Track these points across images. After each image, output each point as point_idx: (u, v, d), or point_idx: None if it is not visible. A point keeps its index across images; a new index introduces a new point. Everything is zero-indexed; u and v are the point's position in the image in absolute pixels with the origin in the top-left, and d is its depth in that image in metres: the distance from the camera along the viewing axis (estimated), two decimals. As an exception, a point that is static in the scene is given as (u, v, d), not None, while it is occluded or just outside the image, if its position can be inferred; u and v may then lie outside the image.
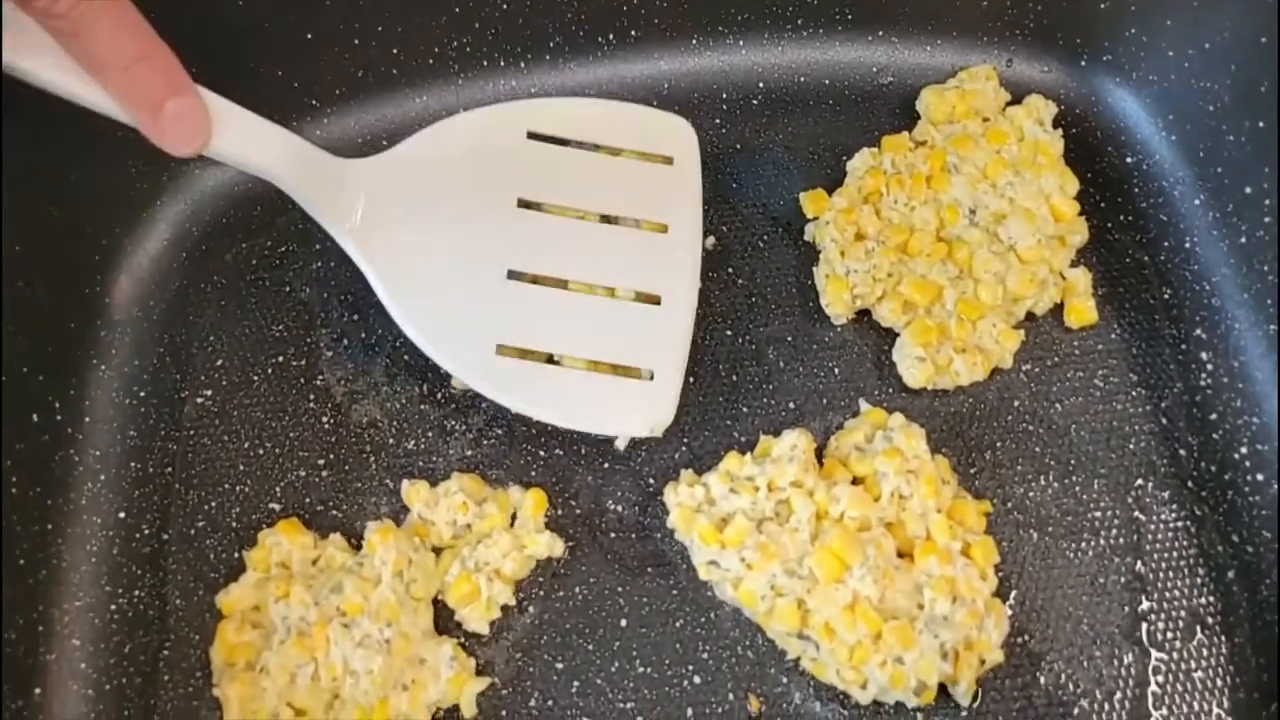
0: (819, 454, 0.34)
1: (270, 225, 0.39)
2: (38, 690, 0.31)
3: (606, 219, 0.35)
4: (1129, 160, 0.39)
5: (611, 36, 0.41)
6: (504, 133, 0.35)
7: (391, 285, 0.33)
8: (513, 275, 0.34)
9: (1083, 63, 0.40)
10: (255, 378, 0.36)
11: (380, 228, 0.33)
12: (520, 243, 0.34)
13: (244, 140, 0.30)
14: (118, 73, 0.27)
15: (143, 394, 0.36)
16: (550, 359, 0.34)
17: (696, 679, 0.32)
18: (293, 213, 0.38)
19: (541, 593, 0.33)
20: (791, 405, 0.36)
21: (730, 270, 0.38)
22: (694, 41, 0.41)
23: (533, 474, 0.35)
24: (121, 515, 0.34)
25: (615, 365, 0.34)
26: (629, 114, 0.36)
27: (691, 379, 0.36)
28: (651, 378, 0.34)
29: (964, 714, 0.31)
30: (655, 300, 0.35)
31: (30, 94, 0.27)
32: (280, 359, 0.37)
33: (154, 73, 0.27)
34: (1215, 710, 0.32)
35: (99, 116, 0.28)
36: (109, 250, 0.37)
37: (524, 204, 0.35)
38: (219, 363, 0.37)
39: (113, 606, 0.33)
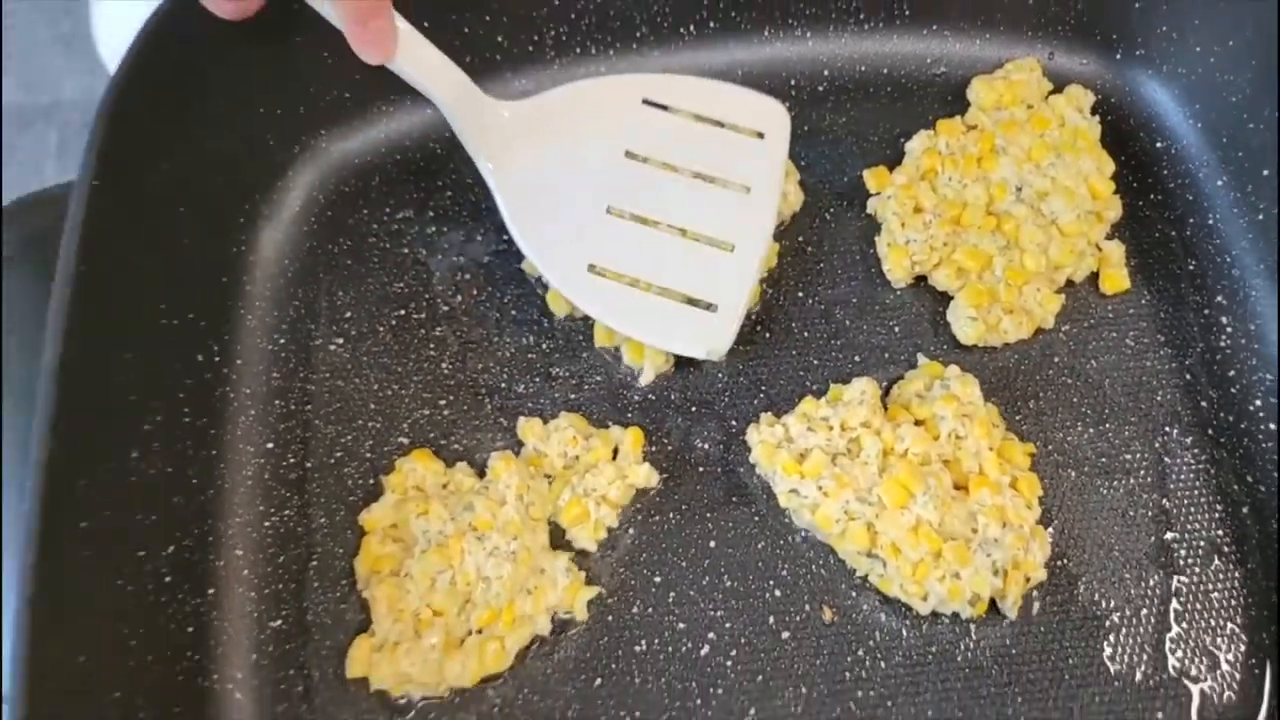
0: (883, 401, 0.39)
1: (388, 195, 0.43)
2: (211, 591, 0.36)
3: (699, 176, 0.40)
4: (1159, 145, 0.43)
5: (692, 28, 0.45)
6: (624, 96, 0.40)
7: (512, 206, 0.39)
8: (611, 211, 0.39)
9: (1118, 56, 0.44)
10: (380, 328, 0.41)
11: (511, 158, 0.39)
12: (622, 185, 0.39)
13: (420, 64, 0.37)
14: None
15: (282, 341, 0.41)
16: (634, 284, 0.39)
17: (777, 592, 0.37)
18: (407, 184, 0.44)
19: (640, 517, 0.38)
20: (857, 359, 0.40)
21: (801, 239, 0.43)
22: (765, 33, 0.45)
23: (629, 415, 0.40)
24: (269, 445, 0.39)
25: (686, 297, 0.39)
26: (733, 93, 0.41)
27: (768, 334, 0.41)
28: (715, 311, 0.39)
29: (1010, 625, 0.36)
30: (729, 248, 0.39)
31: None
32: (402, 312, 0.41)
33: (354, 5, 0.35)
34: (1229, 626, 0.36)
35: (245, 99, 0.34)
36: (251, 214, 0.41)
37: (630, 155, 0.40)
38: (347, 315, 0.41)
39: (266, 524, 0.38)
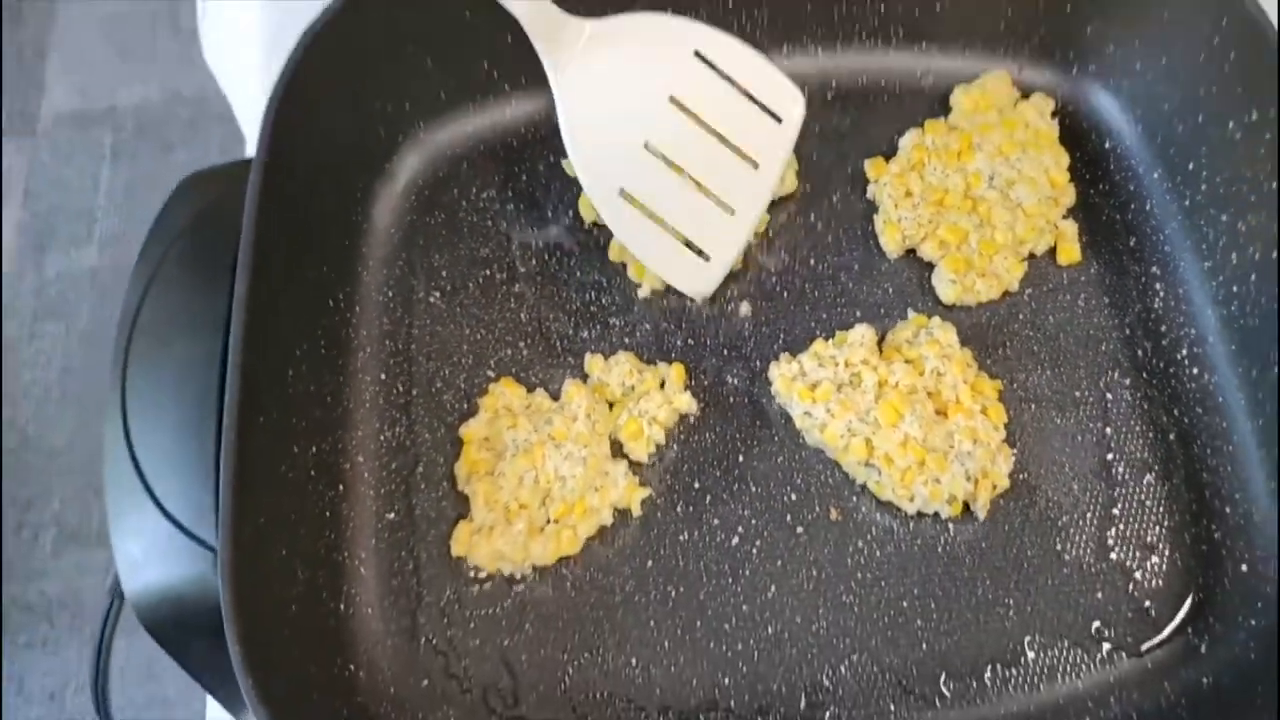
0: (879, 345, 0.48)
1: (475, 177, 0.52)
2: (340, 486, 0.45)
3: (722, 140, 0.46)
4: (1107, 144, 0.52)
5: (724, 45, 0.54)
6: (681, 41, 0.45)
7: (569, 116, 0.45)
8: (648, 146, 0.46)
9: (1074, 71, 0.53)
10: (470, 285, 0.50)
11: (575, 72, 0.45)
12: (661, 126, 0.46)
13: None
14: None
15: (391, 294, 0.50)
16: (650, 216, 0.46)
17: (793, 496, 0.46)
18: (491, 170, 0.53)
19: (683, 436, 0.47)
20: (858, 313, 0.49)
21: (812, 217, 0.52)
22: (784, 49, 0.54)
23: (673, 355, 0.48)
24: (382, 376, 0.48)
25: (687, 240, 0.47)
26: (768, 72, 0.46)
27: (785, 293, 0.50)
28: (707, 260, 0.47)
29: (981, 524, 0.45)
30: (731, 211, 0.47)
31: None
32: (487, 273, 0.50)
33: None
34: (1159, 529, 0.45)
35: (364, 97, 0.44)
36: (367, 190, 0.51)
37: (674, 100, 0.46)
38: (443, 274, 0.50)
39: (381, 437, 0.47)
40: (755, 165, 0.47)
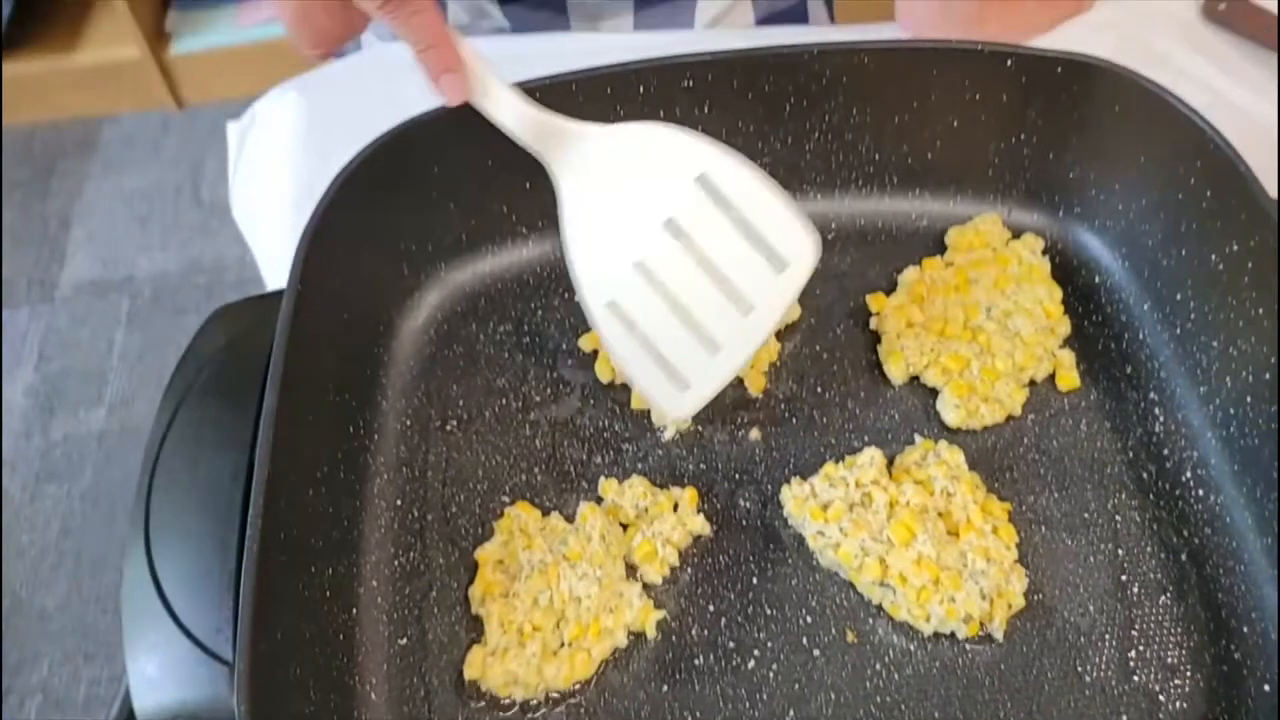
0: (889, 468, 0.49)
1: (492, 313, 0.55)
2: (354, 610, 0.45)
3: (716, 276, 0.44)
4: (1097, 279, 0.55)
5: (729, 191, 0.58)
6: (688, 160, 0.44)
7: (569, 224, 0.46)
8: (639, 267, 0.45)
9: (1060, 214, 0.56)
10: (486, 413, 0.52)
11: (576, 180, 0.45)
12: (653, 250, 0.44)
13: (492, 103, 0.45)
14: (419, 52, 0.45)
15: (409, 422, 0.51)
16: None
17: (808, 619, 0.46)
18: (507, 306, 0.55)
19: (696, 559, 0.47)
20: (866, 438, 0.50)
21: (818, 348, 0.53)
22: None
23: (685, 479, 0.49)
24: (398, 501, 0.49)
25: (668, 365, 0.46)
26: (780, 210, 0.44)
27: (794, 420, 0.51)
28: (687, 390, 0.46)
29: (999, 645, 0.45)
30: (716, 348, 0.46)
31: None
32: (504, 401, 0.52)
33: (437, 57, 0.44)
34: (1176, 649, 0.44)
35: (387, 238, 0.47)
36: (389, 325, 0.53)
37: (670, 224, 0.45)
38: (460, 403, 0.52)
39: (395, 561, 0.47)
40: (750, 308, 0.45)
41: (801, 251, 0.44)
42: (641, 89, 0.52)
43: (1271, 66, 0.67)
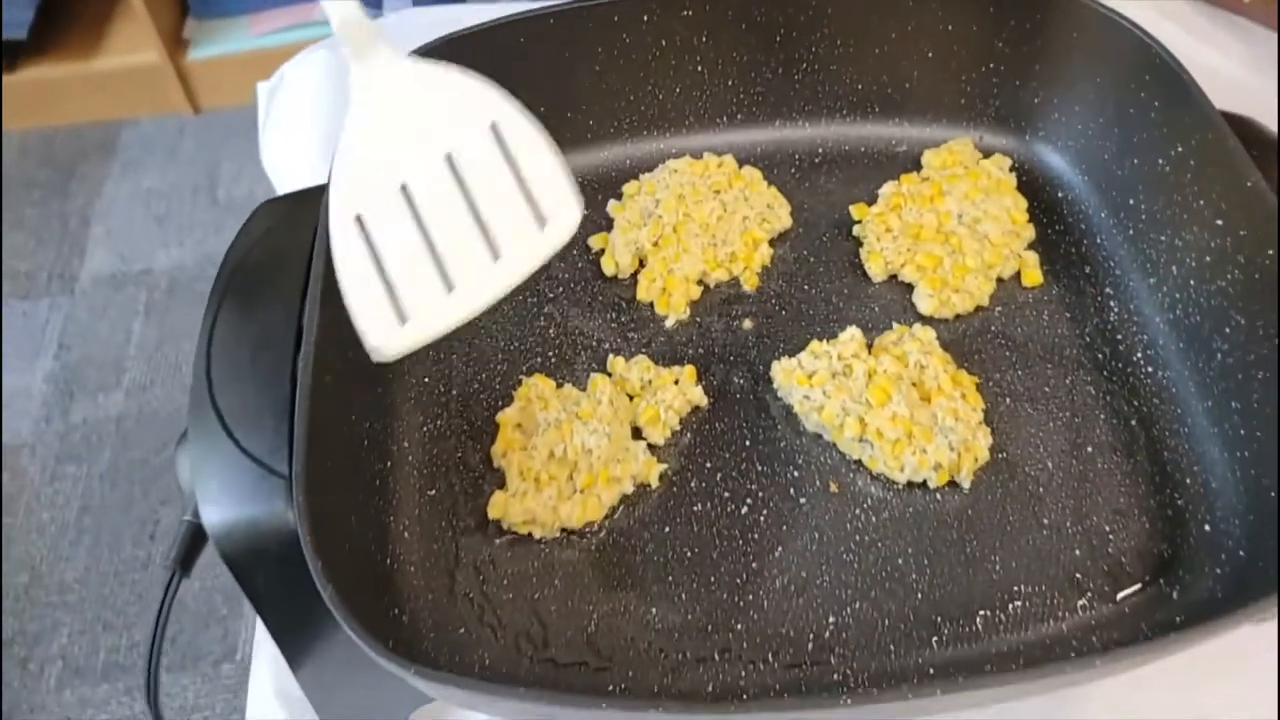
0: (868, 348, 0.54)
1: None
2: (389, 462, 0.50)
3: (478, 218, 0.42)
4: (1059, 193, 0.60)
5: (724, 119, 0.63)
6: (482, 111, 0.42)
7: (349, 132, 0.43)
8: (404, 190, 0.42)
9: (1026, 136, 0.62)
10: (504, 306, 0.56)
11: (371, 95, 0.42)
12: (423, 179, 0.42)
13: None
14: None
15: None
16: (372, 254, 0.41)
17: (795, 473, 0.51)
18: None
19: (695, 424, 0.52)
20: (851, 326, 0.56)
21: (805, 252, 0.59)
22: (776, 123, 0.63)
23: (685, 360, 0.55)
24: (425, 379, 0.54)
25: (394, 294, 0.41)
26: (553, 170, 0.42)
27: (784, 312, 0.56)
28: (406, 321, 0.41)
29: (965, 493, 0.50)
30: (450, 288, 0.41)
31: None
32: (520, 296, 0.57)
33: None
34: (1126, 497, 0.49)
35: None
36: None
37: (449, 159, 0.42)
38: (481, 298, 0.57)
39: (424, 428, 0.52)
40: (496, 256, 0.42)
41: (566, 215, 0.42)
42: (646, 17, 0.58)
43: (1236, 29, 0.74)
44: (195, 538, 0.46)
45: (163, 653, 0.47)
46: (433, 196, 0.42)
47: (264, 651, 0.53)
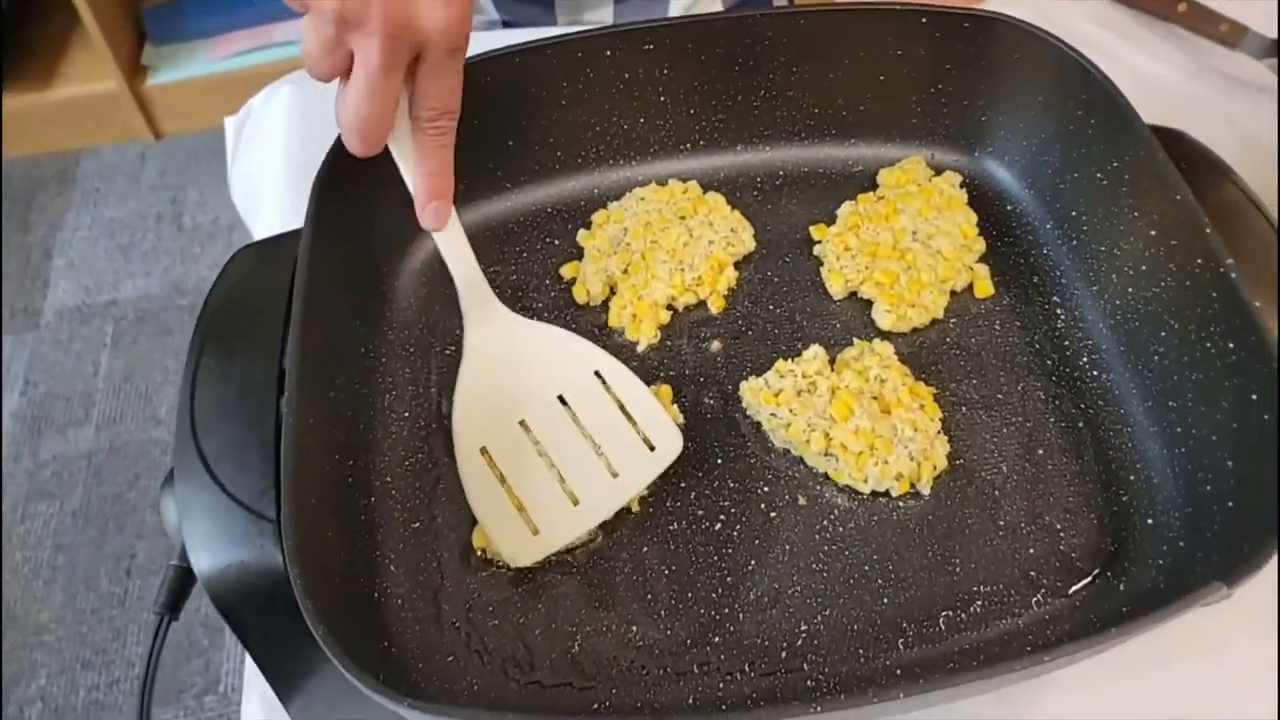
0: (830, 364, 0.56)
1: (481, 257, 0.62)
2: (371, 497, 0.52)
3: (594, 444, 0.51)
4: (1008, 207, 0.63)
5: (688, 145, 0.65)
6: (584, 360, 0.53)
7: (465, 371, 0.53)
8: (522, 424, 0.51)
9: (975, 153, 0.64)
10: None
11: (484, 340, 0.53)
12: (540, 414, 0.51)
13: (451, 243, 0.51)
14: (427, 174, 0.49)
15: (412, 349, 0.58)
16: (501, 481, 0.51)
17: (765, 489, 0.53)
18: (494, 252, 0.62)
19: (668, 445, 0.55)
20: (814, 343, 0.58)
21: (769, 272, 0.61)
22: (738, 147, 0.65)
23: (657, 382, 0.57)
24: (406, 413, 0.55)
25: (523, 509, 0.50)
26: (654, 407, 0.52)
27: (750, 331, 0.59)
28: (535, 533, 0.50)
29: (926, 500, 0.52)
30: (575, 503, 0.50)
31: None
32: (494, 326, 0.59)
33: (440, 184, 0.49)
34: (1075, 496, 0.52)
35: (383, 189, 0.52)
36: (390, 264, 0.60)
37: (561, 399, 0.52)
38: (456, 332, 0.58)
39: (405, 462, 0.54)
40: (614, 476, 0.50)
41: (670, 441, 0.51)
42: (609, 52, 0.60)
43: (1175, 39, 0.77)
44: (183, 581, 0.48)
45: (146, 689, 0.48)
46: (551, 427, 0.51)
47: (254, 687, 0.54)
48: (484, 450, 0.51)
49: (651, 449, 0.51)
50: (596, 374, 0.52)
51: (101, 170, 1.95)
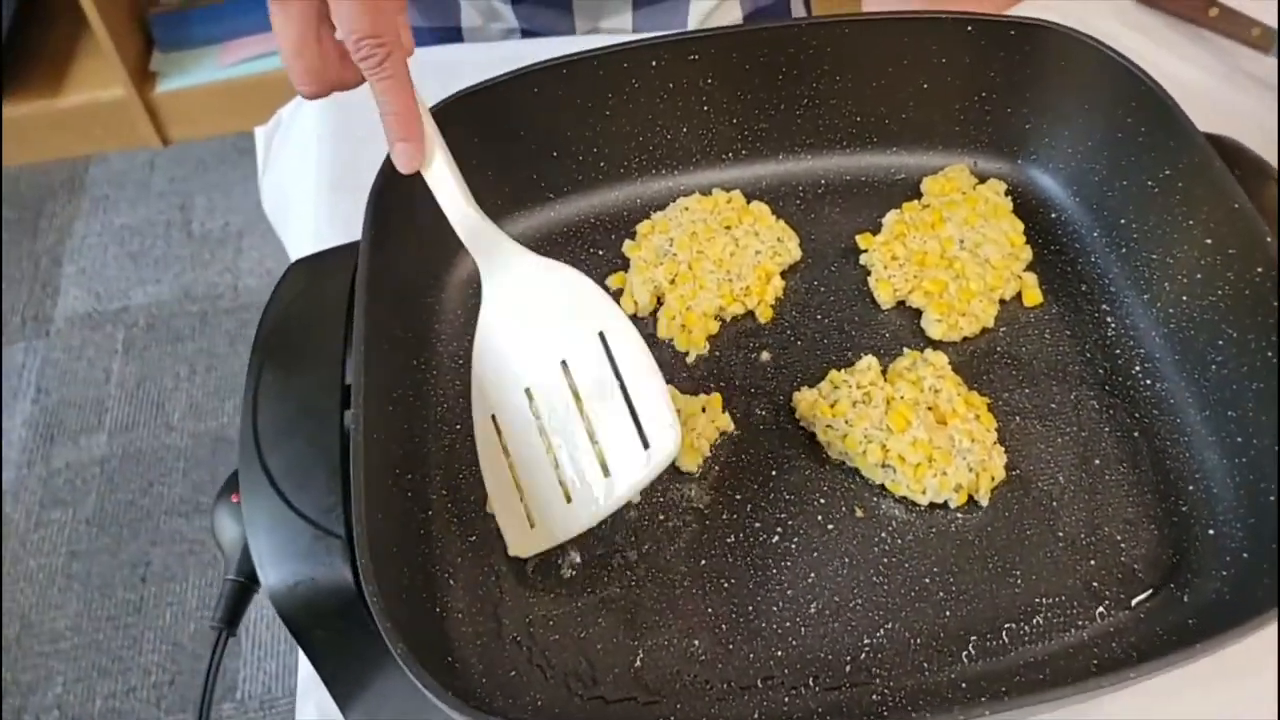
0: (883, 374, 0.56)
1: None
2: (429, 511, 0.52)
3: (590, 433, 0.48)
4: (1053, 215, 0.63)
5: (729, 154, 0.65)
6: (594, 314, 0.48)
7: (483, 326, 0.51)
8: (528, 392, 0.49)
9: (1019, 160, 0.64)
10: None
11: (500, 292, 0.51)
12: (545, 384, 0.49)
13: (438, 184, 0.49)
14: (384, 115, 0.47)
15: (460, 362, 0.57)
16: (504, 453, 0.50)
17: (822, 500, 0.53)
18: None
19: (723, 455, 0.54)
20: (864, 353, 0.58)
21: (815, 282, 0.61)
22: (780, 156, 0.65)
23: (710, 388, 0.56)
24: (458, 426, 0.55)
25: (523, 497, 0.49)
26: (656, 395, 0.47)
27: (799, 342, 0.59)
28: (534, 528, 0.49)
29: (984, 511, 0.52)
30: (569, 499, 0.48)
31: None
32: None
33: (398, 123, 0.47)
34: (1134, 507, 0.52)
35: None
36: (438, 276, 0.60)
37: (563, 365, 0.49)
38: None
39: (458, 476, 0.53)
40: (607, 473, 0.47)
41: (664, 441, 0.46)
42: (654, 62, 0.60)
43: (1206, 43, 0.77)
44: (240, 595, 0.48)
45: (205, 703, 0.48)
46: (552, 401, 0.49)
47: (310, 696, 0.54)
48: (494, 419, 0.50)
49: (646, 445, 0.46)
50: (601, 336, 0.48)
51: (110, 177, 1.95)
